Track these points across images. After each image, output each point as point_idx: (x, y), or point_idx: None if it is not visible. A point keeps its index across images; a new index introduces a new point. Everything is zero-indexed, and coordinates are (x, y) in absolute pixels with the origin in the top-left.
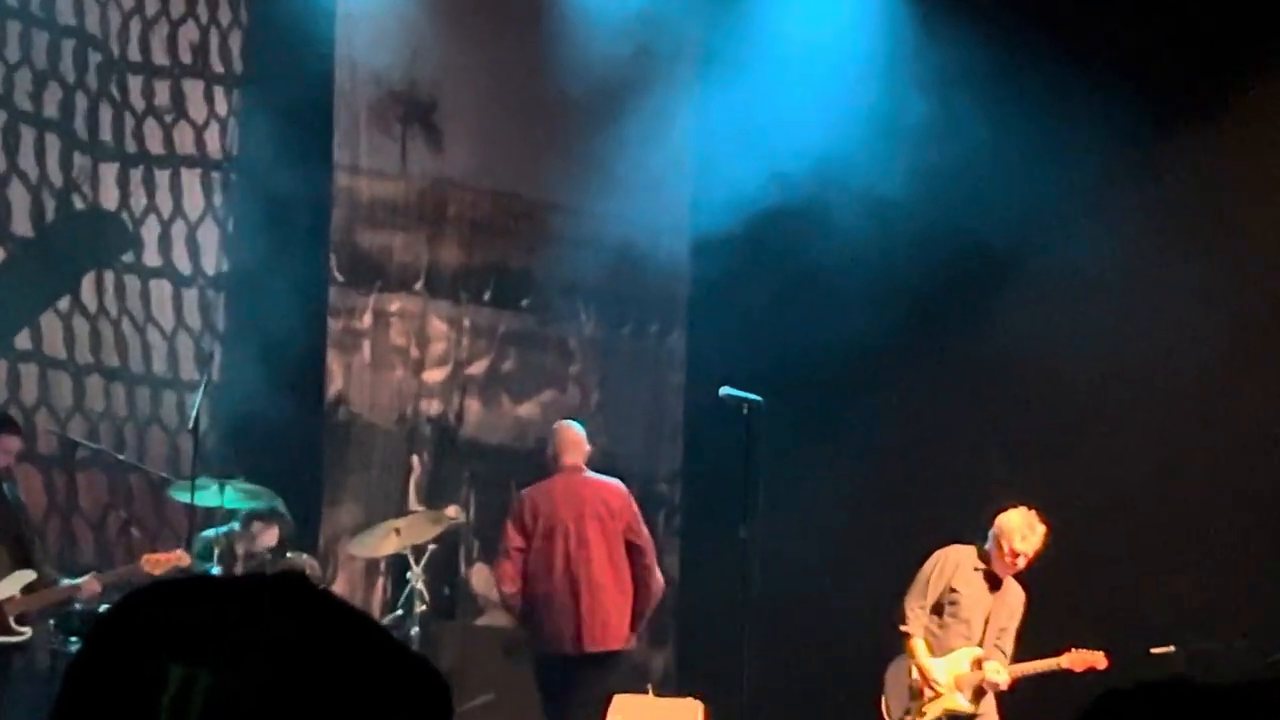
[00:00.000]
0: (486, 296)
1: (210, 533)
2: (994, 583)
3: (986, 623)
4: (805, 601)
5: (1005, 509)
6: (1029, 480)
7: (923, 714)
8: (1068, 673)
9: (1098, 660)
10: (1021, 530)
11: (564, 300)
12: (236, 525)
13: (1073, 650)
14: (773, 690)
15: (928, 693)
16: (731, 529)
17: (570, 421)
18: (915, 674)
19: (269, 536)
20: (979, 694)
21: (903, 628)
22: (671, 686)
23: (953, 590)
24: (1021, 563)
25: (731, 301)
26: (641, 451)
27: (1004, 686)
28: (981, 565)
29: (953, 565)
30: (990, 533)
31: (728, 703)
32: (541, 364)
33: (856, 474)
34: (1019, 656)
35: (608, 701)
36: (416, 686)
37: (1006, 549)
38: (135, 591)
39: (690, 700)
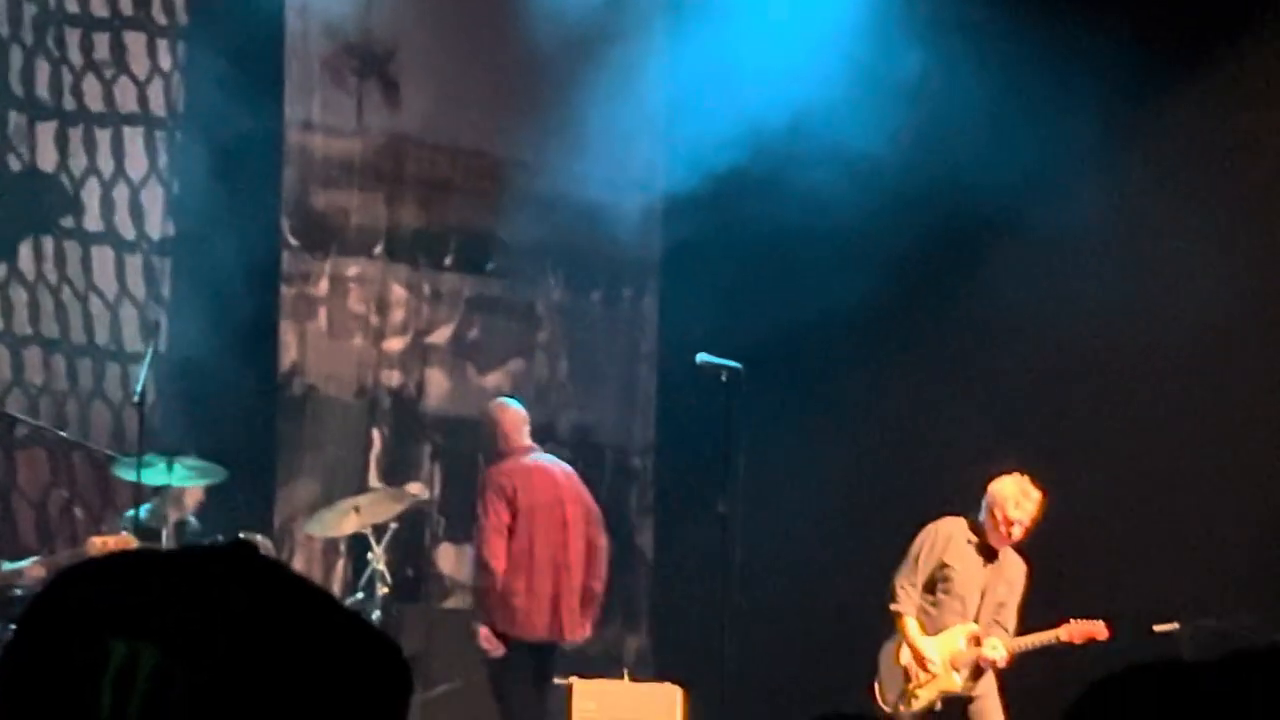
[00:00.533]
0: (448, 261)
1: (140, 511)
2: (989, 555)
3: (982, 597)
4: (788, 580)
5: (997, 477)
6: (1026, 451)
7: (916, 697)
8: (1068, 646)
9: (1098, 630)
10: (1015, 497)
11: (530, 264)
12: (153, 501)
13: (1071, 622)
14: (755, 675)
15: (921, 675)
16: (709, 504)
17: (509, 400)
18: (908, 655)
19: (194, 495)
20: (977, 673)
21: (893, 607)
22: (647, 671)
23: (945, 565)
24: (1017, 532)
25: (707, 264)
26: (613, 422)
27: (1002, 663)
28: (975, 538)
29: (944, 539)
30: (983, 502)
31: (707, 688)
32: (508, 331)
33: (842, 445)
34: (1021, 633)
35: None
36: (375, 660)
37: (1000, 518)
38: (68, 569)
39: (668, 685)
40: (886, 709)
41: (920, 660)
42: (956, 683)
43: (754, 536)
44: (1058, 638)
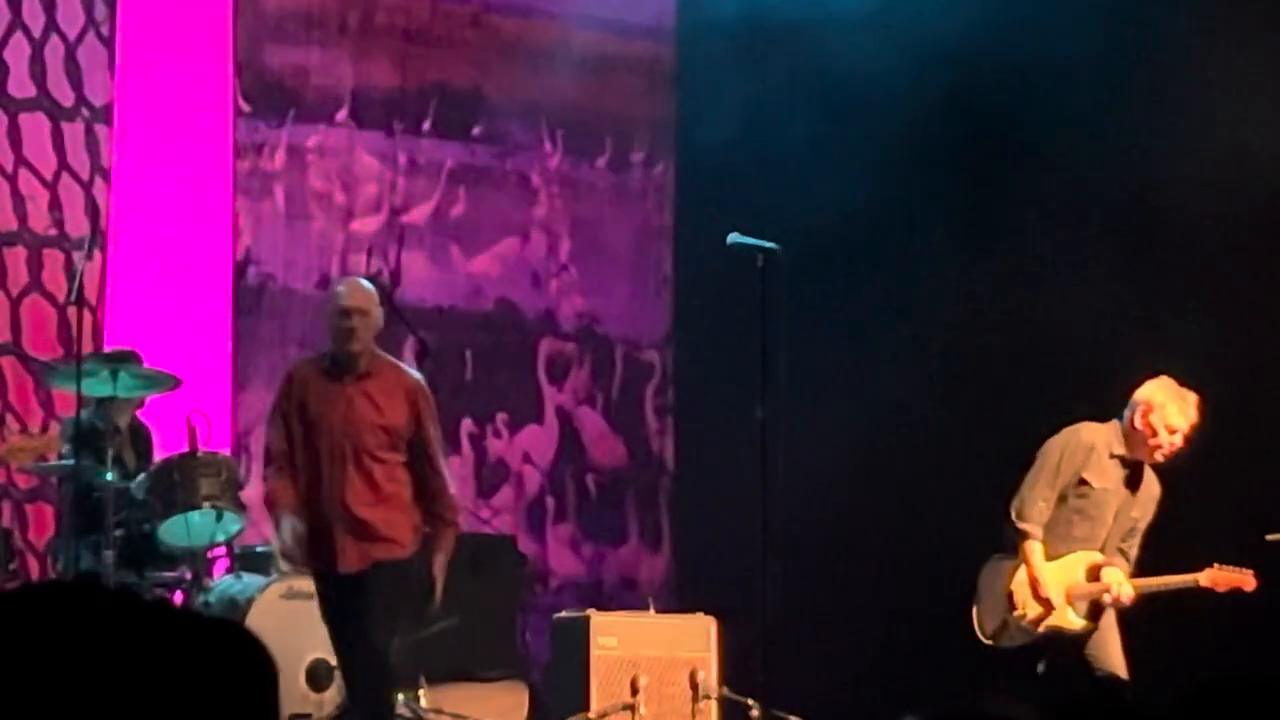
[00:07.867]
0: (427, 125)
1: (84, 416)
2: (1133, 473)
3: (1115, 520)
4: (835, 497)
5: (1148, 378)
6: (1128, 359)
7: (1020, 629)
8: (1207, 592)
9: (1244, 581)
10: (1177, 402)
11: (524, 126)
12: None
13: (1215, 567)
14: (797, 605)
15: (1031, 605)
16: (736, 406)
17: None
18: (1019, 580)
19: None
20: (1095, 610)
21: (1022, 525)
22: (667, 599)
23: (1082, 483)
24: (1178, 442)
25: (733, 122)
26: (624, 311)
27: (1128, 602)
28: (1121, 450)
29: (1085, 450)
30: (1132, 406)
31: (742, 619)
32: (498, 206)
33: (899, 341)
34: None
35: None
36: (231, 659)
37: (1160, 425)
38: None
39: (700, 616)
40: (985, 640)
41: (1035, 588)
42: (1073, 620)
43: (793, 446)
44: (1197, 582)
